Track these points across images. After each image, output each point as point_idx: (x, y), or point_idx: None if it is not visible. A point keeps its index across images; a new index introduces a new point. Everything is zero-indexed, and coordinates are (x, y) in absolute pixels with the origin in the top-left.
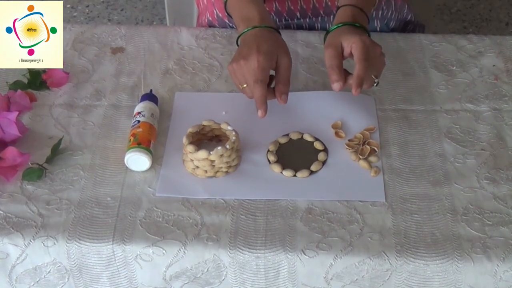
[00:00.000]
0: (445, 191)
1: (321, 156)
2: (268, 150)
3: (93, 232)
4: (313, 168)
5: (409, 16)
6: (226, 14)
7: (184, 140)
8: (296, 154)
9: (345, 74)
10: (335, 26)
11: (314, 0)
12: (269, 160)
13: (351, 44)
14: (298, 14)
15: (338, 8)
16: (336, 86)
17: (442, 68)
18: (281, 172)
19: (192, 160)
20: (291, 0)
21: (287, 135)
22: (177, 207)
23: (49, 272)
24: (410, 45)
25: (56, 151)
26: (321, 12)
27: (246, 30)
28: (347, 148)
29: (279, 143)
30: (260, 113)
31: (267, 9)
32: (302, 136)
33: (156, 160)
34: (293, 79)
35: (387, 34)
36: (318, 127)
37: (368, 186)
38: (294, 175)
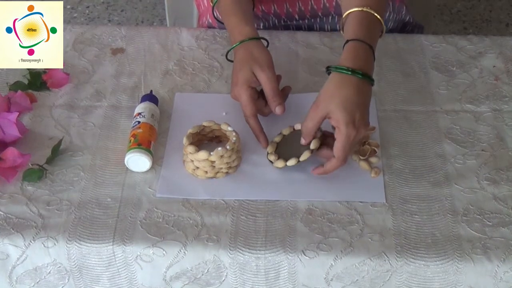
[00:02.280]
0: (445, 191)
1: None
2: (268, 153)
3: (93, 233)
4: (312, 146)
5: (408, 17)
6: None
7: (185, 141)
8: (294, 145)
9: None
10: (339, 69)
11: (312, 1)
12: (271, 161)
13: (338, 132)
14: (296, 16)
15: (347, 41)
16: (303, 141)
17: (442, 69)
18: (286, 165)
19: (192, 161)
20: (289, 2)
21: (280, 133)
22: (178, 207)
23: (49, 272)
24: (411, 46)
25: (57, 152)
26: (319, 14)
27: (228, 50)
28: None
29: (276, 143)
30: (261, 143)
31: (266, 11)
32: (293, 128)
33: (157, 161)
34: (293, 80)
35: (388, 35)
36: None
37: (368, 186)
38: (298, 161)
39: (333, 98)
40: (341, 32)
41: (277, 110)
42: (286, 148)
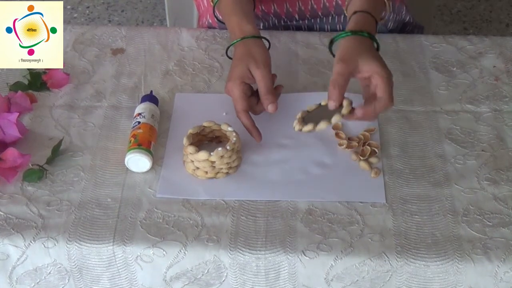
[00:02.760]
0: (445, 192)
1: (346, 102)
2: (296, 118)
3: (93, 233)
4: (344, 110)
5: (408, 18)
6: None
7: (185, 141)
8: (324, 115)
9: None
10: (344, 34)
11: (312, 1)
12: (300, 129)
13: (377, 76)
14: (296, 16)
15: (355, 12)
16: (332, 104)
17: (443, 69)
18: (313, 129)
19: (192, 161)
20: (289, 2)
21: (319, 104)
22: (178, 208)
23: (49, 273)
24: (411, 46)
25: (57, 152)
26: (319, 14)
27: (229, 45)
28: (344, 148)
29: (307, 111)
30: (255, 138)
31: (266, 11)
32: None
33: (157, 161)
34: (293, 80)
35: (387, 35)
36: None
37: (369, 187)
38: (329, 123)
39: (358, 52)
40: (345, 11)
41: (269, 108)
42: (315, 117)
